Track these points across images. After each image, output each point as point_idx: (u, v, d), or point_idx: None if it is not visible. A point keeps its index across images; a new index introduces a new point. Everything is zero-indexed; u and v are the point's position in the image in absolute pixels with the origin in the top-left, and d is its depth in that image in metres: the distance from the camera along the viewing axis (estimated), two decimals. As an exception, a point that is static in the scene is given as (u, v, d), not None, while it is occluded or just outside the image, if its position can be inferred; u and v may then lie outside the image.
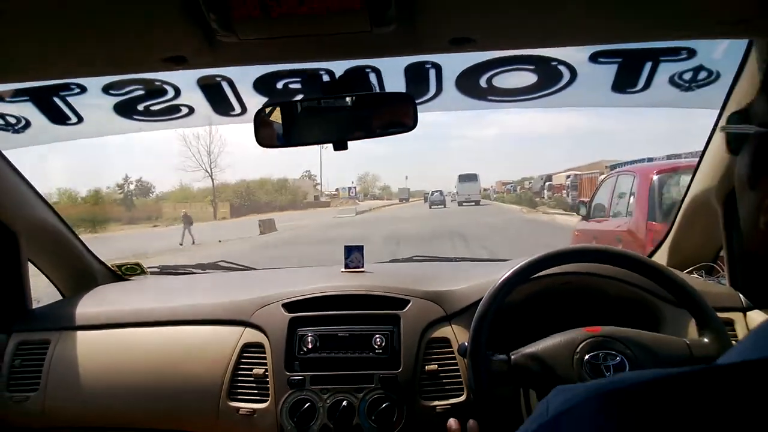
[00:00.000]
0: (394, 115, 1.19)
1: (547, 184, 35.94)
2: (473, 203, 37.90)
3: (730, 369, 0.37)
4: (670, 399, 0.35)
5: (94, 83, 1.30)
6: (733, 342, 1.19)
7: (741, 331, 1.35)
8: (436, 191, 40.30)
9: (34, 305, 1.61)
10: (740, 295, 1.42)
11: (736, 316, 1.37)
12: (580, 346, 1.14)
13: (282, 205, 49.10)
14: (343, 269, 1.62)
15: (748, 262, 1.42)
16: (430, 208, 35.82)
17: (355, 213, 30.36)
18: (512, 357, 1.16)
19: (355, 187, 68.70)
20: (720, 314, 1.20)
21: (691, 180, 1.51)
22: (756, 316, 1.36)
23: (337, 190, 71.20)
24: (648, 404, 0.35)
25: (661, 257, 1.69)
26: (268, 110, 1.23)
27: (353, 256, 1.60)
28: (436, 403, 1.31)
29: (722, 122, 1.31)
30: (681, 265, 1.62)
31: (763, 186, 0.43)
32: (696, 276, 1.58)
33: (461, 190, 39.45)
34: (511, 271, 1.20)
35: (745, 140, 0.44)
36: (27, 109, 1.40)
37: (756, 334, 0.40)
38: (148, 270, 1.87)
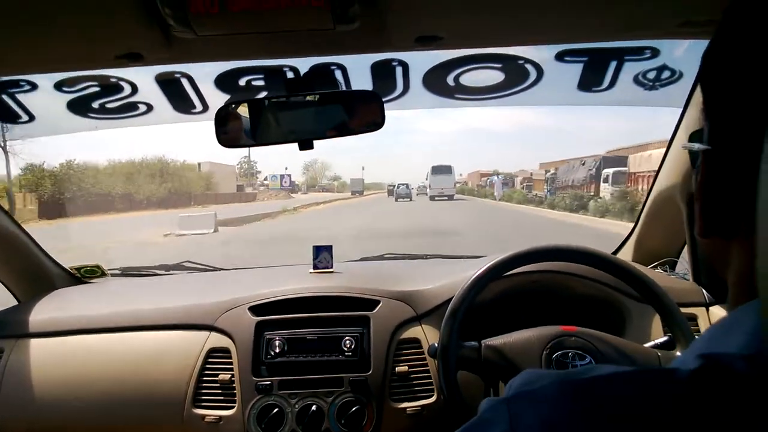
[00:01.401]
0: (361, 114, 1.16)
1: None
2: (446, 198, 34.10)
3: (676, 373, 0.38)
4: (633, 393, 0.36)
5: (46, 80, 1.24)
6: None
7: (704, 326, 1.38)
8: (402, 184, 38.19)
9: None
10: (703, 290, 1.45)
11: (699, 311, 1.40)
12: (551, 342, 1.15)
13: (162, 198, 29.59)
14: (312, 270, 1.59)
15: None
16: (396, 201, 34.08)
17: (213, 228, 14.48)
18: (483, 344, 1.16)
19: (289, 176, 54.65)
20: (683, 309, 1.22)
21: (656, 177, 1.54)
22: (718, 311, 1.39)
23: (266, 178, 56.76)
24: (611, 395, 0.37)
25: (626, 253, 1.72)
26: (230, 108, 1.19)
27: (321, 256, 1.57)
28: (406, 404, 1.30)
29: (683, 140, 1.33)
30: (645, 261, 1.64)
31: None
32: (660, 271, 1.61)
33: (434, 184, 35.02)
34: (482, 269, 1.19)
35: (697, 158, 0.46)
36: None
37: (701, 341, 0.42)
38: (109, 272, 1.80)
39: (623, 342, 1.19)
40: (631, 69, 1.15)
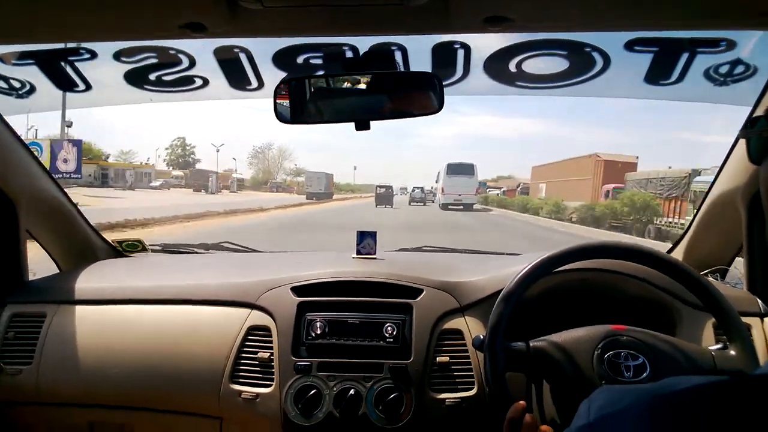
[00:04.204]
0: (419, 96, 1.14)
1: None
2: (461, 207, 26.29)
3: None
4: (718, 406, 0.34)
5: (105, 49, 1.25)
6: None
7: (758, 337, 1.32)
8: (384, 186, 30.46)
9: (30, 277, 1.56)
10: (758, 300, 1.39)
11: (753, 322, 1.34)
12: (602, 342, 1.11)
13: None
14: (355, 255, 1.58)
15: None
16: (377, 206, 27.12)
17: None
18: (531, 344, 1.13)
19: (215, 174, 37.92)
20: None
21: (714, 181, 1.48)
22: None
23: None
24: (697, 410, 0.34)
25: (676, 257, 1.66)
26: (287, 85, 1.18)
27: (366, 242, 1.56)
28: (446, 395, 1.27)
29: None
30: (696, 267, 1.59)
31: None
32: (711, 279, 1.55)
33: (450, 186, 26.60)
34: (532, 264, 1.16)
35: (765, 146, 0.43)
36: (32, 74, 1.34)
37: None
38: (150, 247, 1.81)
39: (676, 340, 1.14)
40: (702, 62, 1.10)
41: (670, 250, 1.71)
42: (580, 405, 0.44)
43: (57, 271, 1.68)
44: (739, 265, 1.55)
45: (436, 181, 32.19)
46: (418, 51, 1.16)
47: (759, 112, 1.25)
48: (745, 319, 1.33)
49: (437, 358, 1.29)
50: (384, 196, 28.99)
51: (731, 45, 1.05)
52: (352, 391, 1.25)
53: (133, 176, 38.80)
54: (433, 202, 31.86)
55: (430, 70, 1.18)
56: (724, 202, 1.44)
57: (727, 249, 1.55)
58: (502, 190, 40.59)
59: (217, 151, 47.84)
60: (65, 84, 1.35)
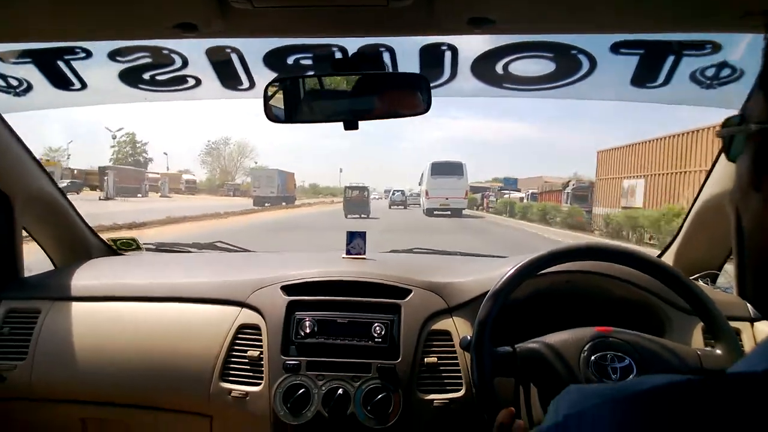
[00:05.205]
0: (407, 97, 1.16)
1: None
2: (448, 212, 22.04)
3: (742, 378, 0.36)
4: (686, 406, 0.34)
5: (101, 48, 1.27)
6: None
7: (748, 342, 1.32)
8: (356, 187, 22.37)
9: (26, 274, 1.58)
10: (748, 304, 1.39)
11: (743, 326, 1.34)
12: (588, 344, 1.11)
13: None
14: (345, 255, 1.59)
15: (758, 271, 1.39)
16: (346, 217, 19.93)
17: None
18: (517, 348, 1.13)
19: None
20: None
21: (703, 184, 1.48)
22: (764, 327, 1.33)
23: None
24: (663, 411, 0.34)
25: (666, 261, 1.66)
26: (277, 85, 1.20)
27: (355, 242, 1.57)
28: (434, 396, 1.28)
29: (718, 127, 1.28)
30: (686, 271, 1.58)
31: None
32: (701, 283, 1.55)
33: (435, 189, 22.37)
34: (520, 264, 1.16)
35: (743, 143, 0.43)
36: (29, 72, 1.36)
37: (764, 345, 0.40)
38: (144, 246, 1.83)
39: (662, 341, 1.15)
40: (689, 65, 1.11)
41: (661, 254, 1.71)
42: (550, 404, 0.44)
43: (52, 267, 1.70)
44: (729, 269, 1.55)
45: (420, 183, 26.96)
46: (406, 52, 1.17)
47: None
48: (735, 324, 1.33)
49: (425, 359, 1.30)
50: (355, 203, 21.21)
51: (717, 47, 1.06)
52: (340, 391, 1.25)
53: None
54: (419, 206, 25.92)
55: (418, 71, 1.19)
56: (714, 205, 1.44)
57: (718, 253, 1.55)
58: (529, 193, 27.66)
59: (114, 137, 40.26)
60: (61, 82, 1.37)
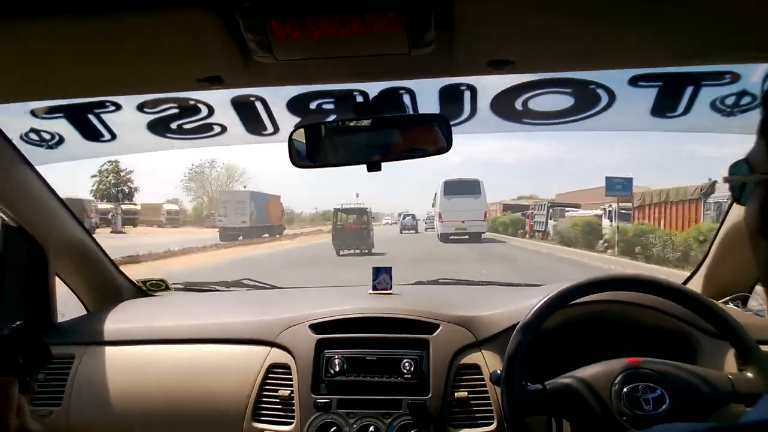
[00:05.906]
0: (428, 136, 1.17)
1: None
2: (466, 237, 19.42)
3: (756, 428, 0.36)
4: None
5: (129, 101, 1.31)
6: None
7: None
8: (350, 210, 17.93)
9: (59, 319, 1.61)
10: None
11: None
12: (619, 377, 1.10)
13: None
14: (371, 291, 1.60)
15: None
16: (338, 254, 15.23)
17: None
18: (548, 386, 1.13)
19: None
20: (759, 347, 1.15)
21: (729, 207, 1.47)
22: None
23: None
24: None
25: (695, 286, 1.64)
26: (301, 130, 1.23)
27: (381, 277, 1.58)
28: (465, 431, 1.27)
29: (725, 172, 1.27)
30: (716, 295, 1.56)
31: None
32: (732, 306, 1.53)
33: (449, 211, 19.51)
34: (549, 297, 1.16)
35: (751, 189, 0.44)
36: (61, 126, 1.41)
37: None
38: (173, 286, 1.86)
39: (692, 367, 1.14)
40: (708, 94, 1.12)
41: (689, 278, 1.69)
42: None
43: (84, 311, 1.73)
44: (761, 290, 1.52)
45: (433, 205, 23.91)
46: (425, 93, 1.20)
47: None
48: (766, 348, 1.31)
49: (455, 394, 1.29)
50: (350, 233, 16.21)
51: (735, 77, 1.07)
52: (372, 428, 1.25)
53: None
54: (434, 230, 23.48)
55: (438, 111, 1.21)
56: (741, 227, 1.43)
57: (748, 275, 1.53)
58: (613, 209, 15.59)
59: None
60: (92, 134, 1.42)
